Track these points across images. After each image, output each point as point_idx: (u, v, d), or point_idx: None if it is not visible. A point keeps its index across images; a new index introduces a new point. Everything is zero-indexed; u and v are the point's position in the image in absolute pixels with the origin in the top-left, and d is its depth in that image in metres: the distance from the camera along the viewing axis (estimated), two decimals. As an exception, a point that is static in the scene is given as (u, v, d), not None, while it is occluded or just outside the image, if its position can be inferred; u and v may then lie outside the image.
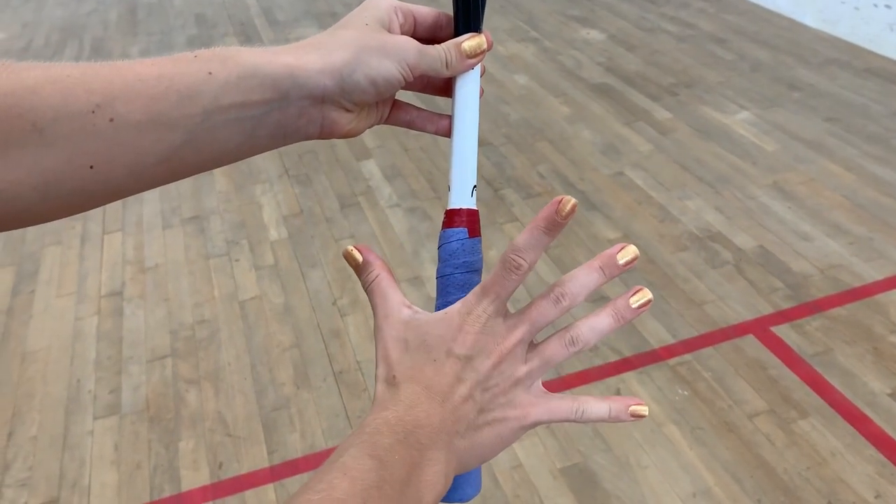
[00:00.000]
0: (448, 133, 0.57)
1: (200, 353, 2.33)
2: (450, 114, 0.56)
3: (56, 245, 2.90)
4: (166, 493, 1.92)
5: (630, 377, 2.12)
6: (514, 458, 1.91)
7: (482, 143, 3.33)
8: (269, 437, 2.04)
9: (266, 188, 3.15)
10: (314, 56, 0.46)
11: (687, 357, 2.17)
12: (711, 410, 2.00)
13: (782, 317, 2.29)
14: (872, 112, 3.38)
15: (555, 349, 0.49)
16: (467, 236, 0.52)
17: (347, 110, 0.49)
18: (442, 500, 0.47)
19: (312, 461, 1.96)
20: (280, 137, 0.48)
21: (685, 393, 2.06)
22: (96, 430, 2.11)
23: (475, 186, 0.53)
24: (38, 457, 2.05)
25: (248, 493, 1.90)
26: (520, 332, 0.47)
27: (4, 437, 2.11)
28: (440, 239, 0.53)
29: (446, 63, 0.50)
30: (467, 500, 0.51)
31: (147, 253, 2.81)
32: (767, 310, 2.32)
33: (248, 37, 4.81)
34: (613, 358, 2.19)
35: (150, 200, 3.13)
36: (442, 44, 0.51)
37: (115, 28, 5.17)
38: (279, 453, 2.00)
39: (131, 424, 2.12)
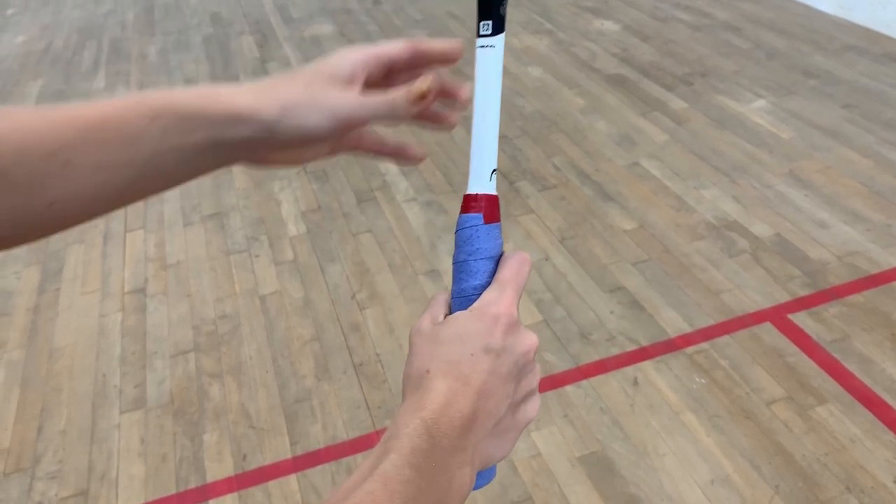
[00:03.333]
0: (391, 153, 0.60)
1: (223, 348, 2.37)
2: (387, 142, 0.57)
3: (79, 244, 2.95)
4: (192, 485, 1.96)
5: (647, 366, 2.13)
6: (533, 447, 1.93)
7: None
8: (292, 428, 2.08)
9: (284, 184, 3.18)
10: (250, 101, 0.48)
11: (704, 346, 2.18)
12: (729, 398, 2.01)
13: (799, 304, 2.29)
14: (890, 98, 3.36)
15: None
16: (482, 222, 0.50)
17: (284, 148, 0.52)
18: (482, 486, 0.49)
19: (334, 452, 1.99)
20: (223, 164, 0.51)
21: (703, 381, 2.07)
22: (123, 423, 2.16)
23: (495, 170, 0.51)
24: (67, 450, 2.10)
25: (272, 484, 1.94)
26: (531, 333, 0.50)
27: (34, 431, 2.16)
28: (457, 224, 0.52)
29: (393, 110, 0.51)
30: (479, 488, 0.50)
31: (169, 250, 2.86)
32: (785, 297, 2.32)
33: (264, 34, 4.85)
34: (630, 347, 2.20)
35: (171, 199, 3.18)
36: (389, 91, 0.51)
37: (132, 28, 5.23)
38: (301, 444, 2.03)
39: (157, 418, 2.16)
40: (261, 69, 4.34)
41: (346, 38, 4.68)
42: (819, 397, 1.98)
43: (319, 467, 1.96)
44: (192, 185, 3.24)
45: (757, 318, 2.25)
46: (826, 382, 2.02)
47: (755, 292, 2.35)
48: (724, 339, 2.19)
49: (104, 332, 2.50)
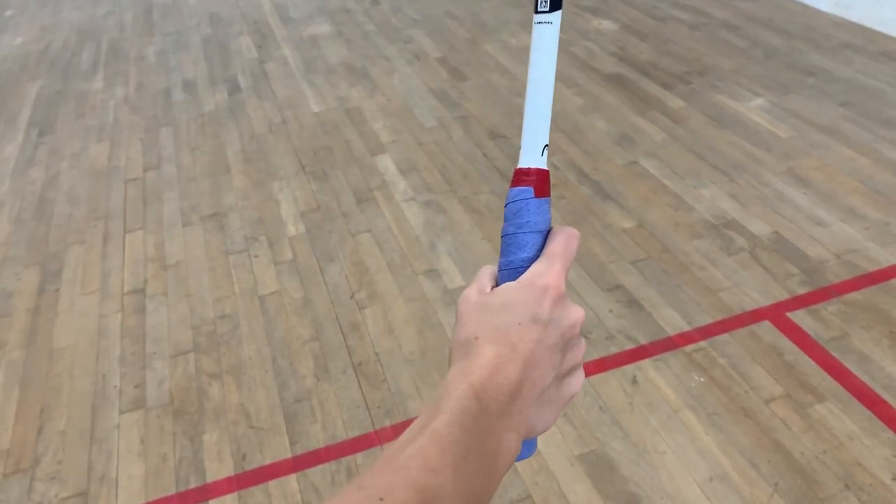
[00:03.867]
0: None
1: (222, 348, 2.37)
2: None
3: (79, 244, 2.95)
4: (192, 485, 1.97)
5: (646, 364, 2.14)
6: (532, 446, 1.93)
7: (495, 134, 3.35)
8: (291, 428, 2.08)
9: (283, 185, 3.19)
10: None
11: (703, 344, 2.18)
12: (728, 396, 2.02)
13: (798, 302, 2.29)
14: (888, 96, 3.36)
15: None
16: (533, 196, 0.51)
17: None
18: (525, 457, 0.49)
19: (334, 451, 2.00)
20: None
21: (701, 379, 2.07)
22: (123, 423, 2.16)
23: (546, 146, 0.52)
24: (67, 451, 2.10)
25: (272, 484, 1.94)
26: (579, 307, 0.50)
27: (34, 432, 2.17)
28: (507, 197, 0.52)
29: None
30: (522, 460, 0.51)
31: (168, 250, 2.86)
32: (783, 296, 2.32)
33: (263, 35, 4.85)
34: (629, 346, 2.20)
35: (170, 199, 3.18)
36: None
37: (131, 29, 5.23)
38: (301, 444, 2.03)
39: (156, 418, 2.17)
40: (259, 69, 4.34)
41: (345, 37, 4.68)
42: (818, 395, 1.99)
43: (319, 467, 1.97)
44: (192, 186, 3.25)
45: (755, 316, 2.26)
46: (825, 380, 2.03)
47: (754, 290, 2.35)
48: (723, 337, 2.20)
49: (104, 332, 2.50)
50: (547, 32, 0.51)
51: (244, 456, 2.02)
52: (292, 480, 1.94)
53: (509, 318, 0.47)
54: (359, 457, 1.97)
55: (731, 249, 2.53)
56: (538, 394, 0.46)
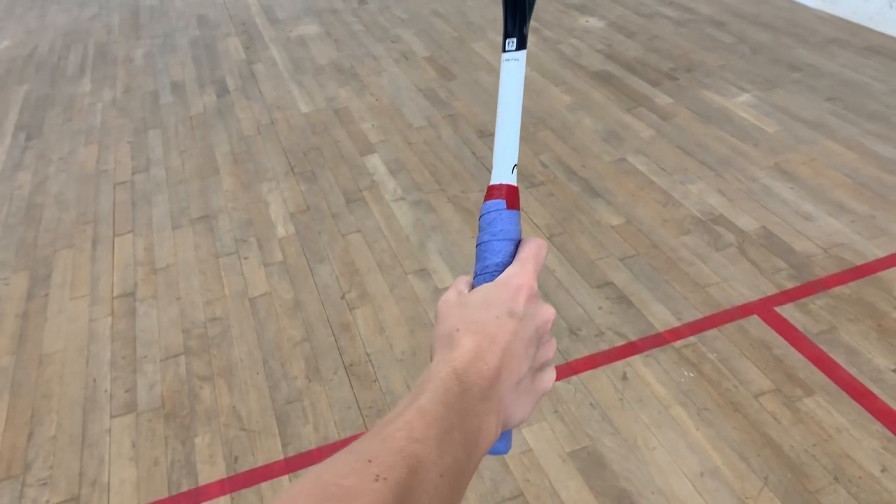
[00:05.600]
0: None
1: (213, 350, 2.37)
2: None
3: (68, 248, 2.94)
4: (184, 488, 1.96)
5: (636, 361, 2.15)
6: (524, 444, 1.94)
7: (484, 133, 3.36)
8: (283, 429, 2.08)
9: (272, 186, 3.18)
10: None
11: (692, 339, 2.19)
12: (717, 391, 2.03)
13: (786, 297, 2.31)
14: (873, 90, 3.38)
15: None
16: (504, 207, 0.56)
17: None
18: (502, 452, 0.52)
19: (326, 452, 2.00)
20: None
21: (691, 375, 2.08)
22: (114, 428, 2.16)
23: (515, 165, 0.57)
24: (57, 456, 2.10)
25: (264, 485, 1.94)
26: (550, 306, 0.54)
27: (24, 438, 2.16)
28: (481, 210, 0.57)
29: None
30: (499, 454, 0.54)
31: (158, 253, 2.85)
32: (771, 290, 2.34)
33: (251, 36, 4.84)
34: (619, 342, 2.21)
35: (159, 202, 3.17)
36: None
37: (118, 32, 5.21)
38: (293, 445, 2.03)
39: (148, 422, 2.16)
40: (247, 71, 4.33)
41: (333, 37, 4.68)
42: (806, 389, 2.00)
43: (312, 468, 1.96)
44: (181, 188, 3.24)
45: (744, 310, 2.27)
46: (813, 374, 2.04)
47: (742, 285, 2.37)
48: (712, 332, 2.21)
49: (94, 336, 2.49)
50: (514, 68, 0.58)
51: (236, 458, 2.02)
52: (285, 482, 1.94)
53: (487, 312, 0.50)
54: (351, 457, 1.97)
55: (719, 245, 2.55)
56: (515, 382, 0.49)
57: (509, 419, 0.50)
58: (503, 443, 0.53)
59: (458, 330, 0.50)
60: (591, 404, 2.03)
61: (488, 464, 1.90)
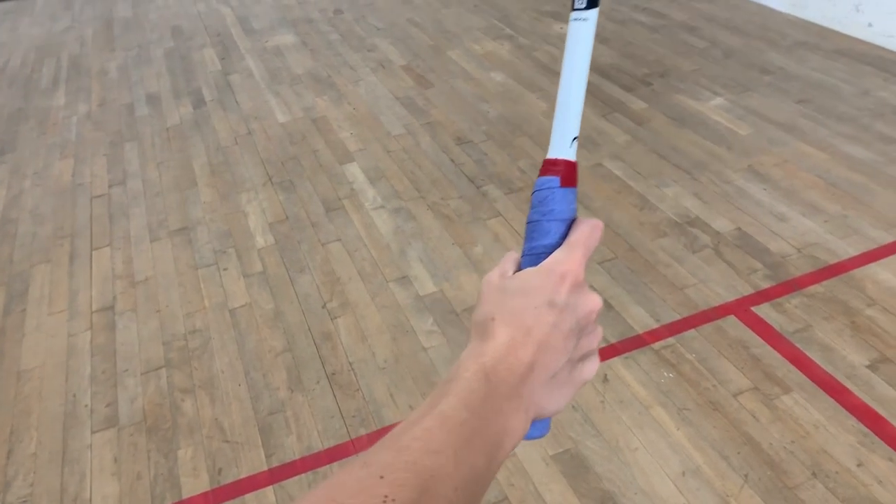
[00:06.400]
0: None
1: (194, 363, 2.36)
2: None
3: (45, 263, 2.92)
4: (168, 501, 1.95)
5: (616, 363, 2.17)
6: (507, 448, 1.95)
7: (462, 140, 3.38)
8: (266, 440, 2.08)
9: (251, 196, 3.18)
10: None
11: (671, 340, 2.22)
12: (697, 391, 2.05)
13: (762, 296, 2.34)
14: (842, 92, 3.45)
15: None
16: (559, 185, 0.52)
17: None
18: (536, 437, 0.51)
19: (310, 462, 2.00)
20: None
21: (670, 375, 2.11)
22: (95, 443, 2.14)
23: (576, 138, 0.53)
24: (38, 473, 2.08)
25: (248, 497, 1.93)
26: (596, 295, 0.50)
27: (3, 456, 2.14)
28: (534, 186, 0.54)
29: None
30: (536, 439, 0.52)
31: (136, 266, 2.84)
32: (747, 290, 2.37)
33: (226, 46, 4.83)
34: (599, 345, 2.23)
35: (137, 215, 3.15)
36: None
37: (91, 44, 5.18)
38: (277, 456, 2.03)
39: (129, 436, 2.15)
40: (223, 81, 4.32)
41: (309, 47, 4.68)
42: (784, 387, 2.03)
43: (296, 478, 1.97)
44: (158, 200, 3.23)
45: (721, 311, 2.30)
46: (790, 372, 2.07)
47: (719, 286, 2.40)
48: (690, 333, 2.24)
49: (73, 351, 2.47)
50: (583, 29, 0.53)
51: (220, 470, 2.01)
52: (269, 493, 1.93)
53: (526, 301, 0.48)
54: (335, 467, 1.98)
55: (695, 247, 2.58)
56: (549, 377, 0.47)
57: (541, 412, 0.48)
58: (539, 428, 0.51)
59: (493, 319, 0.48)
60: (573, 407, 2.05)
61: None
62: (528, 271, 0.50)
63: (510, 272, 0.52)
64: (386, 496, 0.37)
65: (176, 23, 5.39)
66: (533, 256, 0.52)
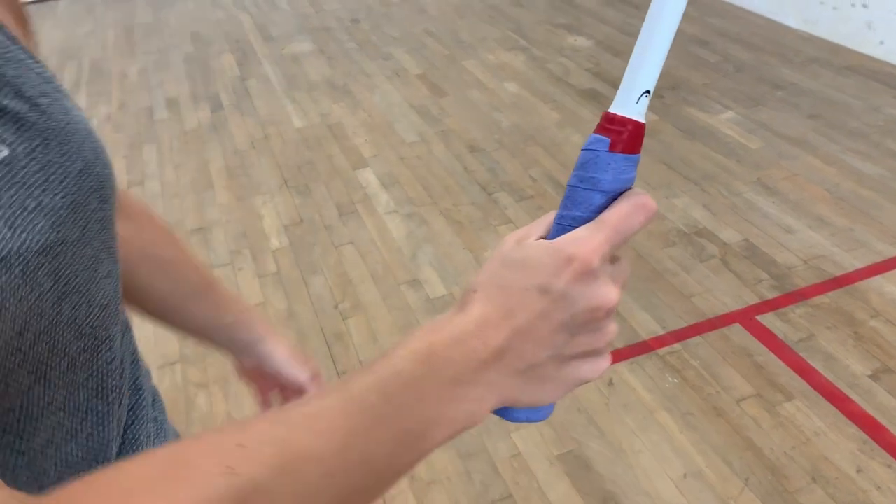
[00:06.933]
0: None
1: (208, 359, 2.42)
2: None
3: (64, 260, 2.98)
4: (181, 491, 2.00)
5: (622, 367, 2.21)
6: (513, 447, 1.99)
7: (475, 148, 3.43)
8: (278, 435, 2.12)
9: (266, 199, 3.24)
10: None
11: (676, 347, 2.26)
12: (701, 397, 2.09)
13: (767, 306, 2.38)
14: (853, 108, 3.48)
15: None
16: (607, 148, 0.42)
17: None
18: (506, 417, 0.45)
19: (320, 456, 2.04)
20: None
21: (675, 381, 2.15)
22: (111, 434, 2.19)
23: (648, 92, 0.43)
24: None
25: (259, 489, 1.98)
26: (617, 291, 0.42)
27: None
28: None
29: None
30: (529, 422, 0.47)
31: (153, 265, 2.89)
32: (753, 300, 2.41)
33: (244, 53, 4.92)
34: (610, 346, 2.27)
35: (154, 214, 3.21)
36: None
37: (112, 48, 5.28)
38: (288, 450, 2.07)
39: (144, 428, 2.20)
40: (241, 87, 4.40)
41: (325, 55, 4.76)
42: (786, 394, 2.07)
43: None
44: (176, 201, 3.29)
45: (726, 319, 2.34)
46: (793, 380, 2.11)
47: (725, 295, 2.44)
48: (696, 340, 2.28)
49: (90, 345, 2.53)
50: None
51: (232, 463, 2.06)
52: (279, 485, 1.98)
53: (519, 279, 0.41)
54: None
55: (703, 256, 2.62)
56: (525, 368, 0.41)
57: (515, 403, 0.43)
58: (536, 413, 0.46)
59: (476, 291, 0.42)
60: (578, 409, 2.09)
61: (478, 466, 1.95)
62: (540, 244, 0.42)
63: (534, 236, 0.44)
64: (230, 467, 0.34)
65: (195, 28, 5.49)
66: (559, 227, 0.44)
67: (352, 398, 0.38)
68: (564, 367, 0.42)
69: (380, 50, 4.77)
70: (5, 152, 0.48)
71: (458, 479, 1.93)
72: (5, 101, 0.50)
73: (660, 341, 2.29)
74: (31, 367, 0.50)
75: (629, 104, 0.43)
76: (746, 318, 2.34)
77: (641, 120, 0.43)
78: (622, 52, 4.31)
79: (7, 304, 0.45)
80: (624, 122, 0.42)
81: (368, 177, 3.33)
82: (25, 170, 0.49)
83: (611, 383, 2.16)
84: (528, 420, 0.46)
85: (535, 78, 4.13)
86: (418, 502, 1.87)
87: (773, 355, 2.19)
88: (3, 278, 0.45)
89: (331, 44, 4.96)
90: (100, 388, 0.58)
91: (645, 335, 2.31)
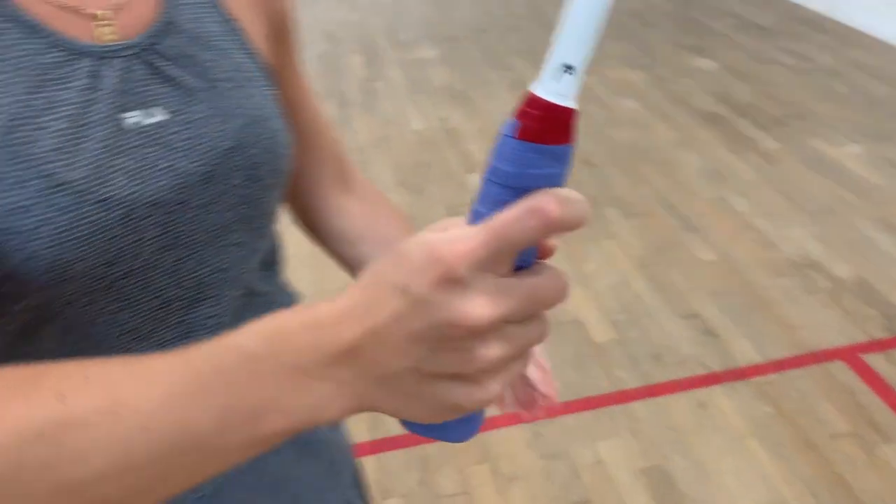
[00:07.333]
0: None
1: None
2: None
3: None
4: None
5: (716, 391, 2.20)
6: (597, 454, 2.03)
7: (588, 163, 3.46)
8: (372, 416, 2.24)
9: (381, 195, 3.38)
10: None
11: (773, 377, 2.23)
12: (794, 428, 2.06)
13: (876, 346, 2.31)
14: None
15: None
16: (514, 134, 0.34)
17: None
18: (407, 427, 0.40)
19: (410, 441, 2.14)
20: None
21: (769, 410, 2.12)
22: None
23: (570, 68, 0.34)
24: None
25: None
26: (488, 310, 0.34)
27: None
28: None
29: None
30: (439, 439, 0.41)
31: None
32: (861, 338, 2.34)
33: (373, 55, 5.12)
34: (700, 371, 2.27)
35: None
36: None
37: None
38: (380, 431, 2.18)
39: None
40: (368, 87, 4.60)
41: (449, 62, 4.90)
42: (885, 436, 2.01)
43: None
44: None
45: (830, 354, 2.29)
46: (894, 422, 2.05)
47: (831, 330, 2.38)
48: (795, 372, 2.24)
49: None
50: None
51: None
52: (370, 463, 2.09)
53: (388, 272, 0.35)
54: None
55: (813, 289, 2.56)
56: (381, 374, 0.36)
57: (386, 412, 0.38)
58: (443, 430, 0.40)
59: (360, 279, 0.37)
60: (667, 427, 2.10)
61: (560, 468, 2.00)
62: (425, 237, 0.35)
63: (450, 228, 0.36)
64: (62, 394, 0.36)
65: (329, 28, 5.76)
66: (470, 219, 0.36)
67: (186, 360, 0.37)
68: (428, 385, 0.36)
69: (502, 60, 4.87)
70: (162, 117, 0.56)
71: (539, 477, 1.98)
72: (185, 77, 0.59)
73: (757, 369, 2.26)
74: (118, 295, 0.56)
75: (546, 81, 0.34)
76: (851, 355, 2.28)
77: (562, 103, 0.34)
78: (749, 78, 4.24)
79: (97, 237, 0.53)
80: (537, 102, 0.34)
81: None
82: (175, 135, 0.57)
83: (703, 405, 2.16)
84: (435, 437, 0.40)
85: (655, 96, 4.12)
86: (499, 494, 1.94)
87: (875, 396, 2.13)
88: (100, 216, 0.52)
89: (455, 52, 5.10)
90: (186, 336, 0.62)
91: (743, 362, 2.29)
